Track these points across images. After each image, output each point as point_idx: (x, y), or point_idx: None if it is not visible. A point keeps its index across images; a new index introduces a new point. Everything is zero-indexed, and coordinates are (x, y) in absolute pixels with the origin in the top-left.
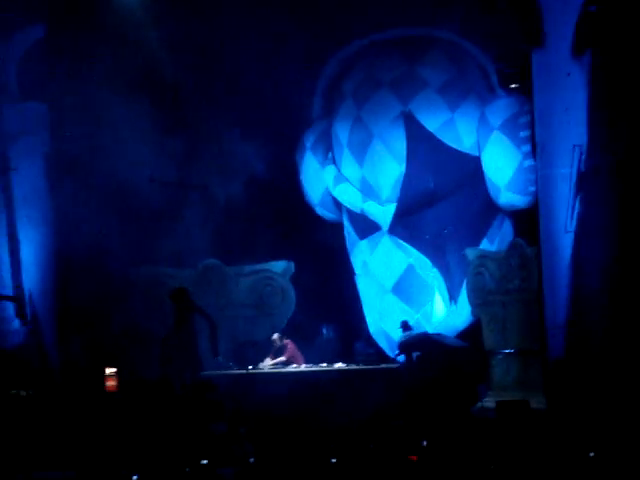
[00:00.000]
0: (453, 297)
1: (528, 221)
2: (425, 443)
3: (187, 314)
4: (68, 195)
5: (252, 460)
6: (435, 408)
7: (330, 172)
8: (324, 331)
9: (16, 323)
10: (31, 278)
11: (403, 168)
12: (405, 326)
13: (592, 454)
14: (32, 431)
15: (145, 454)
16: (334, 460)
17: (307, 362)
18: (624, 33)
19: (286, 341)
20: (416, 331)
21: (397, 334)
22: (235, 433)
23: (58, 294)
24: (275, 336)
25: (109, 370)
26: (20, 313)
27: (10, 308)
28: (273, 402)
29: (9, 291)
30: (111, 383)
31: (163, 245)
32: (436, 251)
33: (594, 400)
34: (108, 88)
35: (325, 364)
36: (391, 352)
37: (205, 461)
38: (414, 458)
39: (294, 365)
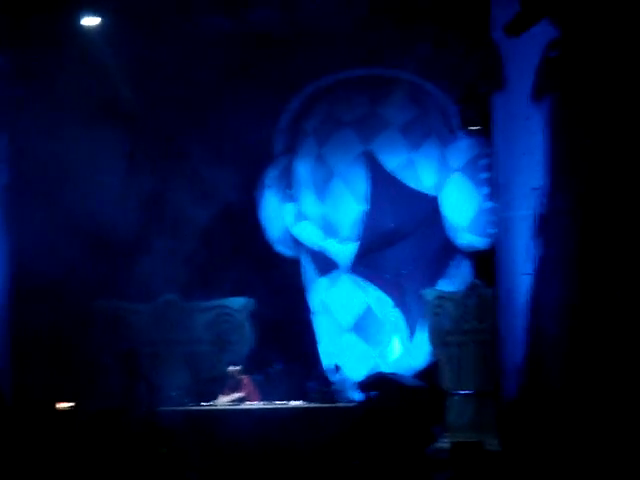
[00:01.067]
0: (412, 337)
1: (487, 262)
2: None
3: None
4: (28, 226)
5: None
6: (391, 448)
7: (290, 210)
8: (273, 369)
9: None
10: None
11: (363, 207)
12: (337, 369)
13: None
14: None
15: None
16: None
17: (262, 400)
18: (585, 79)
19: (243, 377)
20: (373, 371)
21: (356, 373)
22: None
23: (15, 325)
24: (232, 368)
25: (63, 405)
26: None
27: None
28: (228, 439)
29: None
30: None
31: (123, 279)
32: (396, 290)
33: (547, 442)
34: (72, 117)
35: (280, 402)
36: (349, 391)
37: None
38: None
39: (248, 402)
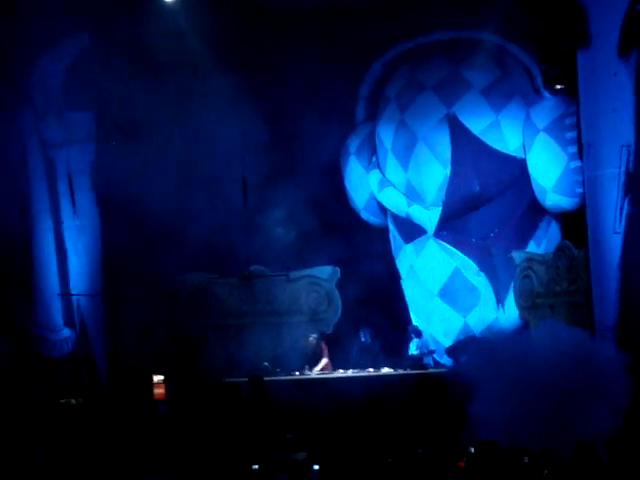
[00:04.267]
0: (500, 300)
1: (575, 223)
2: (472, 450)
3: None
4: (117, 203)
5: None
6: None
7: (374, 176)
8: (361, 336)
9: (65, 332)
10: (79, 287)
11: (448, 171)
12: (415, 331)
13: None
14: (83, 440)
15: (196, 460)
16: (384, 465)
17: (353, 367)
18: None
19: (322, 344)
20: (464, 335)
21: (445, 339)
22: (283, 440)
23: (106, 302)
24: (311, 338)
25: (157, 378)
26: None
27: (59, 317)
28: (323, 408)
29: (57, 300)
30: (159, 391)
31: (210, 251)
32: (482, 254)
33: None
34: (155, 86)
35: (372, 369)
36: (438, 356)
37: (256, 466)
38: (462, 464)
39: (341, 371)
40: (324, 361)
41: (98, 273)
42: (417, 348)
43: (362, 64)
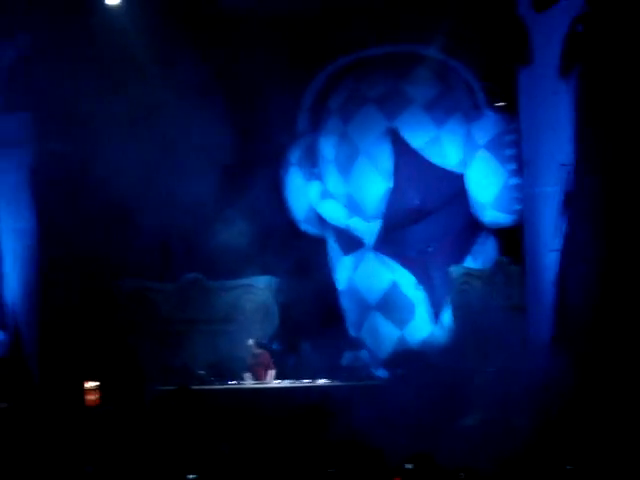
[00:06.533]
0: (437, 314)
1: (513, 239)
2: (410, 466)
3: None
4: (53, 207)
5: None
6: (419, 426)
7: (315, 188)
8: (302, 347)
9: None
10: (13, 290)
11: (389, 185)
12: (353, 343)
13: (569, 467)
14: (10, 444)
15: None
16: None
17: (289, 378)
18: (611, 52)
19: (260, 351)
20: (399, 348)
21: (381, 351)
22: (217, 450)
23: (41, 306)
24: (251, 342)
25: (90, 384)
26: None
27: None
28: (257, 418)
29: None
30: (91, 397)
31: (147, 258)
32: (420, 268)
33: (578, 418)
34: (94, 95)
35: (308, 380)
36: (374, 368)
37: (193, 476)
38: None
39: (278, 381)
40: (273, 372)
41: (34, 276)
42: (355, 360)
43: (306, 75)
